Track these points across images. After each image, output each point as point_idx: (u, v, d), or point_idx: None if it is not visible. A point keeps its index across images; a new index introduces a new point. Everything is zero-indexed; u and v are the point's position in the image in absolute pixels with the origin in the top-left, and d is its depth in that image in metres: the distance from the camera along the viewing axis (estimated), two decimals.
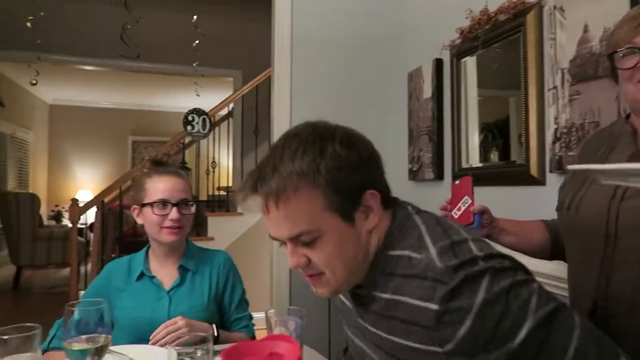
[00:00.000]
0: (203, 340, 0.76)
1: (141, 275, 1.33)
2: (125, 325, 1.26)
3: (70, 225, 6.93)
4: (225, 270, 1.41)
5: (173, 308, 1.29)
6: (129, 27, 2.03)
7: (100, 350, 0.76)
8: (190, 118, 3.42)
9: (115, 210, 4.17)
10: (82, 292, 3.72)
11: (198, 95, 4.49)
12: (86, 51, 4.36)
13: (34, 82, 3.26)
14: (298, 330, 0.89)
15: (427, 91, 2.16)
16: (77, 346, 0.75)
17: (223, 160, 4.70)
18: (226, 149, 4.53)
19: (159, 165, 1.39)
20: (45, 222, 6.82)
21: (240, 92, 3.87)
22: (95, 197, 3.72)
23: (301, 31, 2.50)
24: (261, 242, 3.60)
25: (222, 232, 3.66)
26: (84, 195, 7.63)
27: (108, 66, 4.70)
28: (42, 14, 2.56)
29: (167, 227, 1.29)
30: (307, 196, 0.68)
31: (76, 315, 0.76)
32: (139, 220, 1.34)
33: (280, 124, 2.47)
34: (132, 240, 4.43)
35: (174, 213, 1.29)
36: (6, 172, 6.01)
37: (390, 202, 0.77)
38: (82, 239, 5.59)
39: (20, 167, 6.60)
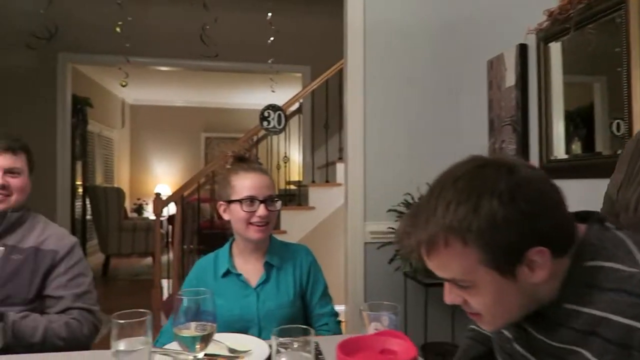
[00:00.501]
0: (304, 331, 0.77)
1: (227, 273, 1.35)
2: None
3: (151, 217, 7.43)
4: (307, 265, 1.41)
5: (261, 305, 1.31)
6: (207, 27, 2.11)
7: (208, 338, 0.80)
8: (266, 114, 3.50)
9: (193, 204, 4.39)
10: (164, 281, 3.96)
11: (273, 92, 4.59)
12: (167, 52, 4.61)
13: (124, 83, 3.50)
14: (392, 326, 0.88)
15: (510, 79, 2.05)
16: (186, 333, 0.79)
17: (293, 155, 4.77)
18: (296, 144, 4.60)
19: (242, 162, 1.42)
20: (129, 214, 7.31)
21: (311, 87, 3.90)
22: (175, 192, 3.93)
23: (374, 20, 2.47)
24: (332, 235, 3.63)
25: (294, 225, 3.72)
26: (162, 189, 8.11)
27: (189, 67, 4.92)
28: (129, 19, 2.73)
29: (255, 224, 1.31)
30: (457, 251, 0.65)
31: (185, 303, 0.80)
32: (225, 216, 1.36)
33: (354, 116, 2.46)
34: (209, 232, 4.64)
35: (261, 210, 1.30)
36: (95, 167, 6.52)
37: (568, 244, 0.68)
38: (162, 231, 5.96)
39: (106, 163, 7.14)
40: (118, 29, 2.75)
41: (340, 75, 3.94)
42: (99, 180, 6.69)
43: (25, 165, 1.43)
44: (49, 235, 1.44)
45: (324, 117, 4.06)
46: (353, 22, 2.48)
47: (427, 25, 2.50)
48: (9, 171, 1.37)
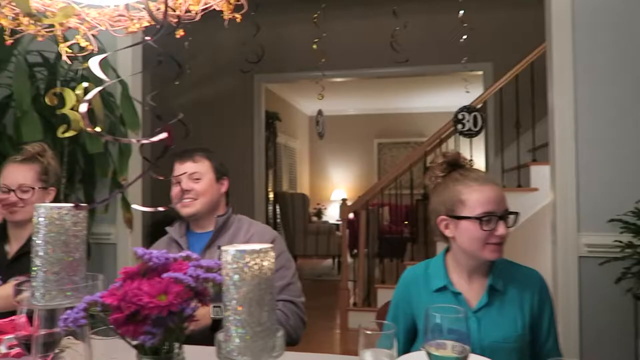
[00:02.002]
0: None
1: (442, 288, 1.22)
2: None
3: (330, 221, 7.88)
4: (538, 294, 1.21)
5: (483, 333, 1.15)
6: (397, 30, 2.13)
7: None
8: (460, 116, 3.36)
9: (374, 209, 4.49)
10: (349, 283, 4.12)
11: (468, 92, 4.42)
12: (358, 64, 4.85)
13: (321, 97, 3.77)
14: None
15: None
16: (442, 353, 0.77)
17: (476, 158, 4.48)
18: (480, 146, 4.34)
19: (457, 167, 1.26)
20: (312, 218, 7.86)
21: (500, 84, 3.60)
22: (360, 197, 4.06)
23: (583, 2, 2.16)
24: (527, 248, 3.29)
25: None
26: (338, 194, 8.55)
27: (379, 75, 5.10)
28: (324, 34, 2.93)
29: (493, 244, 1.14)
30: None
31: (437, 320, 0.79)
32: (448, 233, 1.22)
33: (561, 112, 2.19)
34: (389, 237, 4.71)
35: (501, 228, 1.13)
36: (282, 175, 7.20)
37: None
38: (339, 233, 6.28)
39: (291, 171, 7.82)
40: (315, 46, 2.97)
41: (531, 69, 3.60)
42: (285, 186, 7.36)
43: (207, 170, 1.57)
44: (254, 233, 1.57)
45: (513, 116, 3.74)
46: (558, 5, 2.21)
47: None
48: (191, 177, 1.54)
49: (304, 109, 8.56)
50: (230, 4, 0.88)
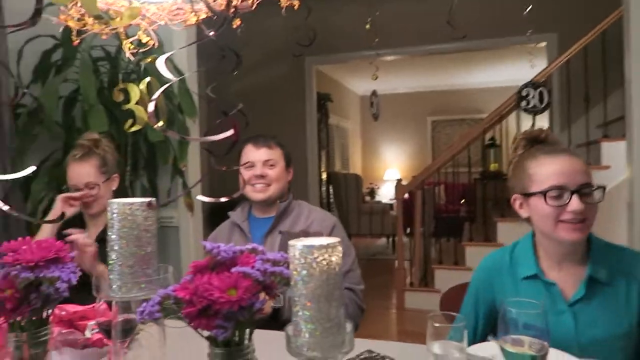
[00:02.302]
0: None
1: (532, 276, 1.10)
2: None
3: (383, 201, 7.82)
4: None
5: (581, 330, 1.03)
6: (454, 4, 2.01)
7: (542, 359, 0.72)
8: (524, 93, 3.17)
9: (430, 188, 4.39)
10: (405, 262, 4.07)
11: (533, 67, 4.17)
12: (411, 41, 4.69)
13: (375, 77, 3.71)
14: None
15: None
16: (518, 349, 0.73)
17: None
18: (544, 121, 4.09)
19: (537, 143, 1.13)
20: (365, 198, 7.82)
21: (567, 55, 3.34)
22: (415, 177, 3.98)
23: None
24: (601, 230, 3.09)
25: None
26: (391, 174, 8.44)
27: (435, 52, 4.88)
28: (377, 13, 2.85)
29: (568, 222, 1.01)
30: None
31: (513, 315, 0.74)
32: (523, 213, 1.11)
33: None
34: (445, 216, 4.60)
35: (574, 203, 0.99)
36: (334, 156, 7.19)
37: None
38: (393, 213, 6.22)
39: (343, 151, 7.79)
40: (368, 26, 2.89)
41: (602, 38, 3.32)
42: (337, 167, 7.36)
43: (280, 158, 1.60)
44: (314, 219, 1.57)
45: (580, 89, 3.48)
46: None
47: None
48: (266, 163, 1.56)
49: (356, 88, 8.45)
50: None
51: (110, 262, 0.70)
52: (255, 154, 1.57)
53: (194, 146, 2.59)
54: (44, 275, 0.70)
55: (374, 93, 6.19)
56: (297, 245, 0.62)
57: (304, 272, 0.61)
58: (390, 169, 8.49)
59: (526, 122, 3.91)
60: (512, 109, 3.61)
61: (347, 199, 6.17)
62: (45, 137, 2.43)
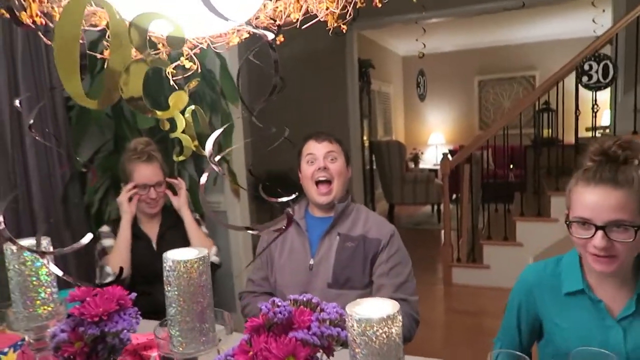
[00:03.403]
0: None
1: (578, 292, 1.08)
2: (563, 348, 1.07)
3: (427, 167, 7.67)
4: None
5: (631, 344, 1.02)
6: None
7: None
8: (586, 67, 2.90)
9: (477, 153, 4.23)
10: (442, 231, 4.00)
11: (597, 24, 3.82)
12: (459, 2, 4.45)
13: (421, 55, 3.54)
14: None
15: None
16: None
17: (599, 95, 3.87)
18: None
19: (609, 158, 1.02)
20: (408, 165, 7.69)
21: (636, 12, 2.98)
22: (462, 150, 3.84)
23: None
24: None
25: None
26: (436, 138, 8.21)
27: (488, 11, 4.54)
28: None
29: (593, 254, 0.99)
30: None
31: None
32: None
33: None
34: (493, 182, 4.43)
35: (597, 239, 0.96)
36: (376, 123, 7.04)
37: None
38: (440, 182, 6.08)
39: (385, 116, 7.61)
40: None
41: None
42: (380, 134, 7.22)
43: (340, 153, 1.56)
44: (372, 224, 1.54)
45: None
46: None
47: None
48: (328, 155, 1.53)
49: (398, 50, 8.13)
50: (335, 17, 0.79)
51: (170, 317, 0.71)
52: (316, 147, 1.54)
53: (237, 132, 2.60)
54: (109, 330, 0.72)
55: (421, 72, 5.84)
56: (355, 314, 0.59)
57: (362, 345, 0.59)
58: (435, 133, 8.25)
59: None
60: (569, 71, 3.29)
61: (391, 168, 6.07)
62: (95, 129, 2.50)
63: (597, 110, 3.19)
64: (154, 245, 1.82)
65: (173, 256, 0.71)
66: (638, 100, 3.27)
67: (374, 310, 0.60)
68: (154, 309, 1.29)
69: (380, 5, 0.79)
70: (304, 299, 0.72)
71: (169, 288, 0.70)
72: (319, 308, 0.71)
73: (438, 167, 7.01)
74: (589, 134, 4.07)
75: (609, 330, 1.04)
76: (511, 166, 6.14)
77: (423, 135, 8.42)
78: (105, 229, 1.82)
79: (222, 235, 2.89)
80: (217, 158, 0.57)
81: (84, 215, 2.47)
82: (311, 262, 1.51)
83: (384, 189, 6.31)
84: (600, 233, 0.96)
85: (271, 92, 0.54)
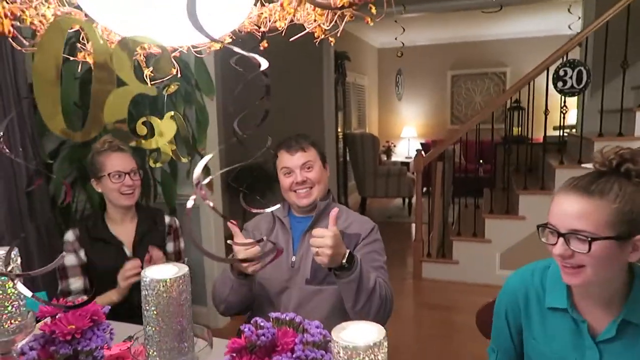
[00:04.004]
0: None
1: (561, 309, 1.05)
2: None
3: (399, 160, 7.74)
4: None
5: None
6: None
7: None
8: (562, 73, 2.95)
9: (450, 154, 4.29)
10: (412, 224, 4.07)
11: (579, 18, 3.84)
12: None
13: (400, 54, 3.53)
14: None
15: None
16: None
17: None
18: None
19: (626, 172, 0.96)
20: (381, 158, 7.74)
21: (608, 15, 3.05)
22: (434, 149, 3.88)
23: None
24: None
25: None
26: (409, 131, 8.28)
27: (466, 8, 4.55)
28: None
29: (562, 265, 0.97)
30: None
31: None
32: None
33: None
34: (463, 177, 4.52)
35: (557, 246, 0.95)
36: (350, 115, 7.04)
37: None
38: (412, 175, 6.16)
39: (359, 108, 7.62)
40: None
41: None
42: (354, 126, 7.23)
43: (315, 158, 1.54)
44: (352, 221, 1.56)
45: (617, 51, 3.23)
46: None
47: None
48: (304, 166, 1.51)
49: (373, 42, 8.12)
50: (322, 29, 0.77)
51: (148, 337, 0.69)
52: (290, 160, 1.52)
53: (212, 127, 2.54)
54: (82, 348, 0.69)
55: (399, 72, 5.84)
56: (341, 341, 0.59)
57: None
58: (408, 127, 8.32)
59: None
60: (540, 71, 3.34)
61: (364, 161, 6.10)
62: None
63: (566, 112, 3.29)
64: (126, 250, 1.73)
65: (152, 274, 0.68)
66: (604, 102, 3.40)
67: (359, 336, 0.60)
68: (128, 314, 1.25)
69: (372, 24, 0.77)
70: (287, 317, 0.71)
71: (147, 307, 0.68)
72: (301, 327, 0.70)
73: (410, 160, 7.11)
74: (557, 132, 4.18)
75: (586, 351, 1.02)
76: (481, 161, 6.27)
77: (396, 128, 8.49)
78: (70, 237, 1.71)
79: (194, 228, 2.85)
80: (205, 182, 0.55)
81: (49, 207, 2.37)
82: (293, 259, 1.53)
83: (357, 182, 6.34)
84: (560, 240, 0.94)
85: (263, 118, 0.53)
